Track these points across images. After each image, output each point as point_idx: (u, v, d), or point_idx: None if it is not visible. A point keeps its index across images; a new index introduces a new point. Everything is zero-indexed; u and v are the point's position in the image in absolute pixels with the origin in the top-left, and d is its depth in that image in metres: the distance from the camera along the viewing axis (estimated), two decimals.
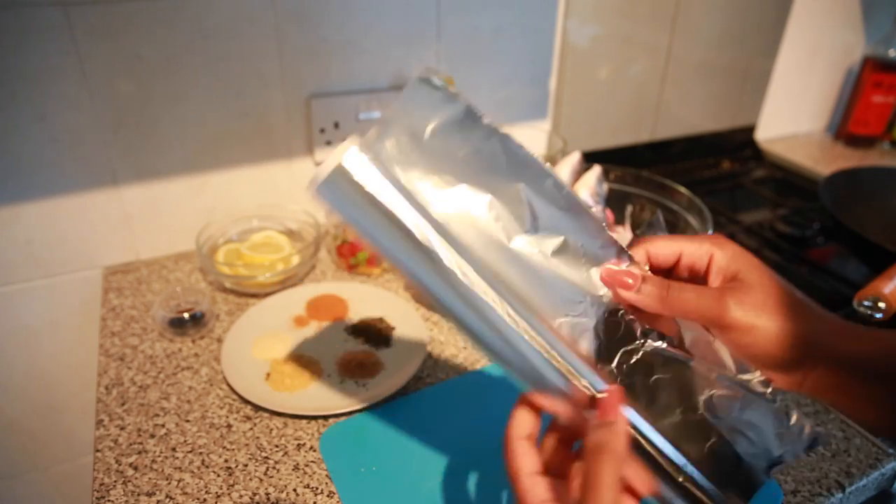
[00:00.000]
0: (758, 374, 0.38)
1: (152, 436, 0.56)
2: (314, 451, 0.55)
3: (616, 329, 0.38)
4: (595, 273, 0.39)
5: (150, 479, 0.52)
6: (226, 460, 0.54)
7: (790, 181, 1.14)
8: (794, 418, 0.39)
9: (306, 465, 0.54)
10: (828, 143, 1.28)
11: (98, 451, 0.54)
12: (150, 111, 0.72)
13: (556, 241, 0.38)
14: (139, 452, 0.54)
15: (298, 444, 0.55)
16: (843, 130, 1.27)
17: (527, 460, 0.36)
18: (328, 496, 0.51)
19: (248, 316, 0.70)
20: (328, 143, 0.83)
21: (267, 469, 0.53)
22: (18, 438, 0.85)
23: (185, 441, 0.56)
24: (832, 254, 0.91)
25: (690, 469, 0.38)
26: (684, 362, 0.38)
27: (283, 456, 0.54)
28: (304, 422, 0.58)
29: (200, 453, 0.55)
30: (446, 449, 0.55)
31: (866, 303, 0.65)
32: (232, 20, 0.71)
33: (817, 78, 1.25)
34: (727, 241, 0.39)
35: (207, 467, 0.53)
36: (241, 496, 0.51)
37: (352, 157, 0.34)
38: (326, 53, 0.78)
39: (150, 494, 0.51)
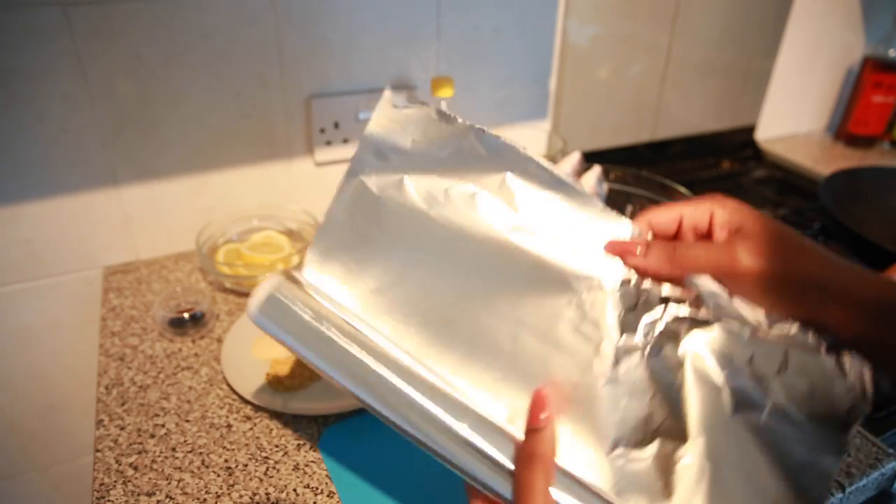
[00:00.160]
0: (793, 323, 0.37)
1: (152, 436, 0.56)
2: (314, 451, 0.55)
3: (634, 300, 0.38)
4: (601, 248, 0.39)
5: (150, 479, 0.52)
6: (226, 460, 0.54)
7: (790, 181, 1.14)
8: (847, 362, 0.36)
9: (306, 465, 0.54)
10: (828, 143, 1.28)
11: (98, 451, 0.54)
12: (150, 111, 0.72)
13: (553, 225, 0.39)
14: (139, 452, 0.54)
15: (298, 444, 0.55)
16: (843, 130, 1.27)
17: None
18: (328, 496, 0.51)
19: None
20: (328, 143, 0.83)
21: (267, 469, 0.53)
22: (18, 438, 0.85)
23: (185, 441, 0.56)
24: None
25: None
26: (711, 325, 0.37)
27: (283, 456, 0.54)
28: (304, 422, 0.58)
29: (200, 453, 0.55)
30: None
31: None
32: (232, 20, 0.71)
33: (817, 78, 1.25)
34: (725, 198, 0.39)
35: (207, 467, 0.53)
36: (241, 496, 0.51)
37: (265, 302, 0.38)
38: (326, 53, 0.78)
39: (150, 494, 0.51)
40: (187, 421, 0.58)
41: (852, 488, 0.54)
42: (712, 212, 0.39)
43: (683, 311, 0.38)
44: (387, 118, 0.40)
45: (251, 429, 0.57)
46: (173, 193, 0.78)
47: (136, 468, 0.53)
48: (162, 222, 0.80)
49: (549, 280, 0.38)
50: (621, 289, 0.38)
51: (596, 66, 0.98)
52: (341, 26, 0.77)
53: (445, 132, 0.40)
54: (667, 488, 0.35)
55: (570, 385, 0.37)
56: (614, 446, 0.36)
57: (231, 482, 0.52)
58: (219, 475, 0.52)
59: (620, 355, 0.37)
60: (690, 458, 0.36)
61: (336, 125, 0.82)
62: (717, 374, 0.37)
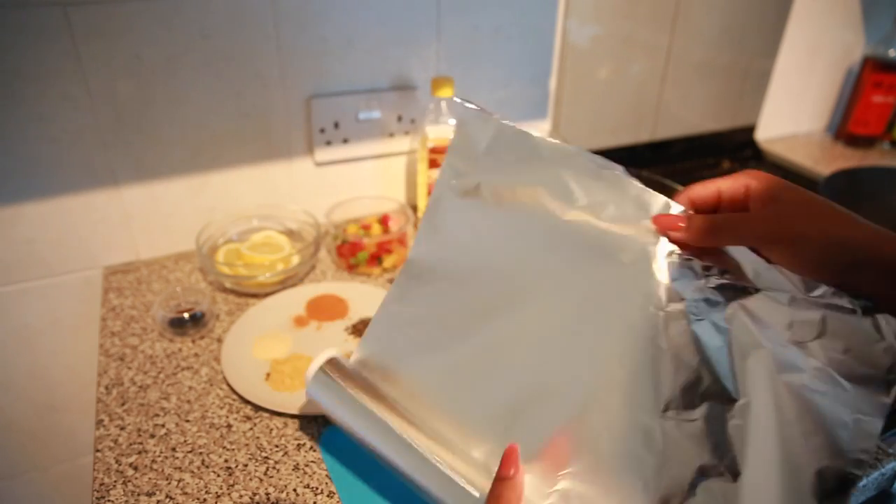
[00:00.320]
0: (826, 287, 0.38)
1: (152, 436, 0.56)
2: (314, 451, 0.55)
3: (678, 271, 0.41)
4: (646, 225, 0.42)
5: (150, 479, 0.52)
6: (226, 460, 0.54)
7: (790, 181, 1.14)
8: (883, 324, 0.37)
9: (306, 465, 0.54)
10: (828, 143, 1.28)
11: (98, 451, 0.54)
12: (150, 111, 0.72)
13: (603, 208, 0.43)
14: (139, 452, 0.54)
15: (298, 444, 0.55)
16: (843, 130, 1.27)
17: None
18: (328, 496, 0.51)
19: (248, 316, 0.70)
20: (328, 143, 0.83)
21: (267, 469, 0.53)
22: (18, 438, 0.85)
23: (185, 441, 0.56)
24: None
25: None
26: (753, 293, 0.39)
27: (283, 456, 0.54)
28: (304, 422, 0.58)
29: (200, 453, 0.55)
30: None
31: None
32: (232, 20, 0.71)
33: (817, 78, 1.25)
34: (760, 172, 0.41)
35: (207, 467, 0.53)
36: (241, 496, 0.51)
37: (314, 380, 0.48)
38: (326, 53, 0.78)
39: (150, 494, 0.51)
40: (187, 421, 0.58)
41: None
42: (748, 184, 0.40)
43: (725, 279, 0.40)
44: (464, 135, 0.48)
45: (251, 429, 0.57)
46: (173, 193, 0.78)
47: (136, 468, 0.53)
48: (162, 222, 0.80)
49: (602, 255, 0.42)
50: (667, 260, 0.41)
51: (596, 66, 0.98)
52: (341, 26, 0.77)
53: (511, 139, 0.47)
54: (716, 449, 0.38)
55: (622, 350, 0.41)
56: (665, 409, 0.39)
57: (231, 482, 0.52)
58: (219, 475, 0.52)
59: (667, 321, 0.40)
60: (738, 420, 0.38)
61: (336, 125, 0.82)
62: (759, 339, 0.38)
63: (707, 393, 0.39)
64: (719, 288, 0.40)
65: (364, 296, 0.74)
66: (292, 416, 0.58)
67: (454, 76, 0.85)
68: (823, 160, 1.19)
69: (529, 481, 0.41)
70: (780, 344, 0.38)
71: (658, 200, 0.43)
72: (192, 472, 0.53)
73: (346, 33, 0.78)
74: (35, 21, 0.63)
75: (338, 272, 0.80)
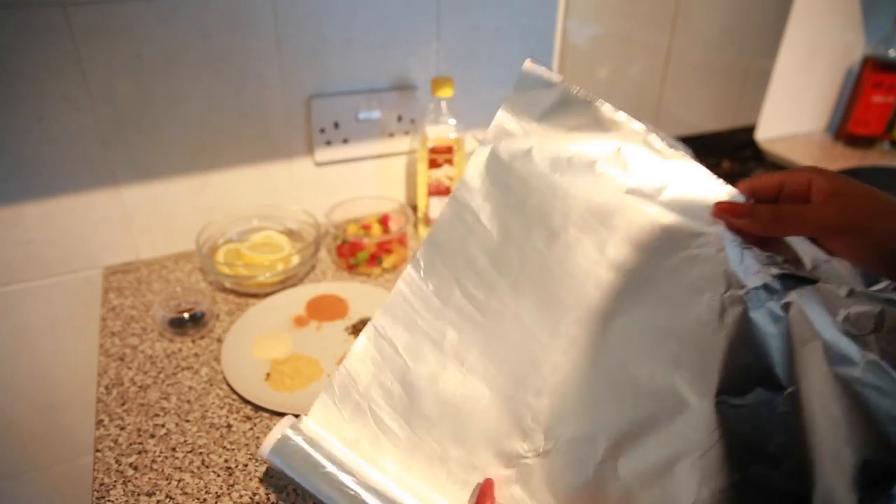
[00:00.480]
0: (887, 282, 0.38)
1: (152, 436, 0.56)
2: None
3: (739, 258, 0.41)
4: (707, 210, 0.42)
5: (150, 479, 0.52)
6: (226, 460, 0.54)
7: None
8: None
9: None
10: (828, 143, 1.28)
11: (98, 451, 0.54)
12: (149, 111, 0.72)
13: (663, 189, 0.43)
14: (139, 452, 0.54)
15: None
16: (843, 130, 1.27)
17: None
18: None
19: (248, 316, 0.70)
20: (328, 143, 0.83)
21: (267, 469, 0.53)
22: (18, 438, 0.85)
23: (185, 441, 0.56)
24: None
25: None
26: (811, 283, 0.40)
27: None
28: None
29: (200, 453, 0.55)
30: None
31: None
32: (232, 20, 0.71)
33: (817, 78, 1.25)
34: (822, 168, 0.41)
35: (207, 467, 0.53)
36: (241, 496, 0.51)
37: (279, 442, 0.44)
38: (326, 53, 0.78)
39: (150, 494, 0.51)
40: (187, 421, 0.58)
41: None
42: (810, 178, 0.41)
43: (784, 269, 0.40)
44: (524, 94, 0.47)
45: (251, 429, 0.57)
46: (173, 193, 0.78)
47: (136, 468, 0.53)
48: (162, 222, 0.80)
49: (661, 238, 0.42)
50: (727, 247, 0.41)
51: (596, 66, 0.98)
52: (341, 26, 0.77)
53: (572, 108, 0.46)
54: (762, 436, 0.38)
55: (678, 332, 0.41)
56: (719, 392, 0.39)
57: (231, 482, 0.52)
58: (219, 475, 0.52)
59: (726, 306, 0.40)
60: (785, 408, 0.38)
61: (336, 125, 0.82)
62: (815, 330, 0.38)
63: (758, 379, 0.39)
64: (778, 277, 0.40)
65: (364, 296, 0.74)
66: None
67: (454, 76, 0.85)
68: (823, 160, 1.19)
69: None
70: (835, 336, 0.38)
71: (721, 187, 0.43)
72: (192, 472, 0.53)
73: (346, 33, 0.78)
74: (35, 21, 0.63)
75: (338, 272, 0.80)
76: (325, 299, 0.73)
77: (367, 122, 0.84)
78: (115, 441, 0.55)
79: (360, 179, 0.89)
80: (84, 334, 0.81)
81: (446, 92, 0.77)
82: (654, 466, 0.40)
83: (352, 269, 0.80)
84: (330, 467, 0.44)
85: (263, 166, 0.82)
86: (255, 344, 0.66)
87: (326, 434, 0.46)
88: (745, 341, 0.40)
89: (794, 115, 1.28)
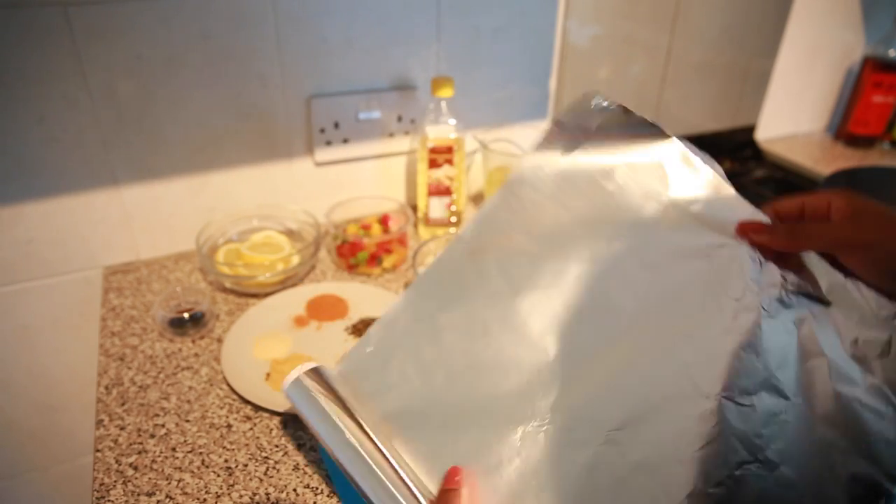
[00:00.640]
0: None
1: (152, 436, 0.56)
2: (314, 451, 0.55)
3: (757, 271, 0.43)
4: (731, 227, 0.45)
5: (150, 479, 0.52)
6: (226, 460, 0.54)
7: (790, 181, 1.14)
8: None
9: (306, 465, 0.54)
10: (828, 143, 1.28)
11: (98, 451, 0.55)
12: (150, 111, 0.72)
13: (692, 203, 0.46)
14: (139, 452, 0.54)
15: (298, 444, 0.55)
16: (843, 130, 1.27)
17: None
18: (328, 496, 0.51)
19: (248, 316, 0.70)
20: (328, 143, 0.83)
21: (267, 469, 0.53)
22: (18, 438, 0.85)
23: (185, 441, 0.56)
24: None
25: None
26: (825, 304, 0.42)
27: (283, 456, 0.54)
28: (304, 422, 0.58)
29: (200, 453, 0.55)
30: None
31: None
32: (232, 20, 0.71)
33: (817, 78, 1.25)
34: (842, 190, 0.43)
35: (207, 467, 0.53)
36: (241, 496, 0.51)
37: (294, 385, 0.47)
38: (326, 53, 0.78)
39: (150, 494, 0.51)
40: (187, 421, 0.58)
41: None
42: (829, 199, 0.43)
43: (800, 287, 0.42)
44: (580, 106, 0.51)
45: (251, 429, 0.57)
46: (173, 193, 0.78)
47: (136, 468, 0.53)
48: (162, 222, 0.80)
49: (686, 244, 0.45)
50: (748, 260, 0.43)
51: (596, 66, 0.98)
52: (341, 26, 0.77)
53: (622, 122, 0.49)
54: (761, 437, 0.39)
55: (691, 328, 0.43)
56: (724, 388, 0.40)
57: (231, 482, 0.52)
58: (219, 475, 0.53)
59: (739, 310, 0.42)
60: (787, 417, 0.40)
61: (336, 125, 0.82)
62: (821, 349, 0.41)
63: (763, 384, 0.40)
64: (794, 293, 0.42)
65: (364, 296, 0.74)
66: (292, 416, 0.58)
67: (454, 76, 0.85)
68: (823, 160, 1.19)
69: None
70: (842, 357, 0.40)
71: (746, 207, 0.46)
72: (192, 472, 0.53)
73: (346, 33, 0.78)
74: (35, 21, 0.63)
75: (338, 272, 0.80)
76: (325, 299, 0.73)
77: (367, 122, 0.84)
78: (115, 441, 0.56)
79: (360, 179, 0.89)
80: (84, 334, 0.81)
81: (446, 92, 0.77)
82: (654, 454, 0.40)
83: (352, 269, 0.80)
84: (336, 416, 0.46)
85: (263, 166, 0.82)
86: (255, 344, 0.66)
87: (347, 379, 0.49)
88: (754, 347, 0.41)
89: (794, 115, 1.28)
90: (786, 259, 0.44)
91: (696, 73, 1.07)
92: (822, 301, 0.42)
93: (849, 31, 1.22)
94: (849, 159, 1.20)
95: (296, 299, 0.73)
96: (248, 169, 0.81)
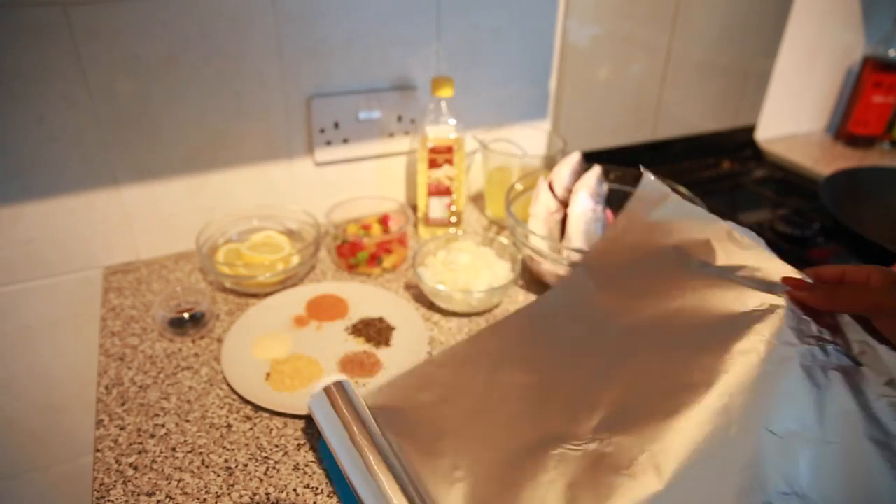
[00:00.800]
0: None
1: (152, 436, 0.56)
2: (314, 451, 0.55)
3: (795, 323, 0.47)
4: (774, 290, 0.49)
5: (150, 479, 0.52)
6: (226, 460, 0.54)
7: (790, 181, 1.14)
8: None
9: (306, 465, 0.54)
10: (828, 143, 1.28)
11: (98, 451, 0.55)
12: (149, 111, 0.72)
13: (738, 269, 0.52)
14: (139, 452, 0.54)
15: (298, 444, 0.55)
16: (843, 130, 1.27)
17: None
18: (328, 496, 0.51)
19: (248, 316, 0.70)
20: (328, 143, 0.83)
21: (267, 469, 0.53)
22: (18, 438, 0.85)
23: (185, 441, 0.56)
24: (832, 254, 0.91)
25: None
26: (856, 366, 0.45)
27: (283, 456, 0.54)
28: (304, 422, 0.58)
29: (200, 453, 0.55)
30: None
31: None
32: (232, 20, 0.71)
33: (817, 78, 1.25)
34: (883, 267, 0.47)
35: (207, 467, 0.53)
36: (241, 496, 0.51)
37: (316, 400, 0.52)
38: (326, 53, 0.78)
39: (150, 494, 0.51)
40: (187, 421, 0.58)
41: None
42: (869, 271, 0.47)
43: (835, 345, 0.46)
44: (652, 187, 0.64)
45: (251, 429, 0.57)
46: (173, 193, 0.78)
47: (136, 468, 0.53)
48: (162, 222, 0.80)
49: (730, 297, 0.51)
50: (787, 312, 0.47)
51: (596, 66, 0.98)
52: (341, 26, 0.77)
53: (675, 206, 0.61)
54: (794, 472, 0.42)
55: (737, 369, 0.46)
56: (765, 422, 0.43)
57: (231, 482, 0.52)
58: (219, 475, 0.53)
59: (783, 357, 0.45)
60: (816, 454, 0.42)
61: (336, 125, 0.82)
62: (856, 402, 0.44)
63: (796, 420, 0.43)
64: (829, 348, 0.46)
65: (364, 296, 0.74)
66: (292, 416, 0.58)
67: (454, 76, 0.85)
68: (823, 160, 1.19)
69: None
70: (871, 414, 0.43)
71: (788, 270, 0.50)
72: (192, 472, 0.53)
73: (346, 33, 0.78)
74: (35, 21, 0.63)
75: (338, 272, 0.80)
76: (325, 299, 0.73)
77: (367, 122, 0.84)
78: (115, 441, 0.56)
79: (360, 179, 0.89)
80: (84, 334, 0.81)
81: (446, 92, 0.77)
82: (698, 477, 0.42)
83: (352, 269, 0.80)
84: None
85: (263, 166, 0.82)
86: (255, 344, 0.66)
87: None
88: (793, 389, 0.44)
89: (794, 115, 1.28)
90: (822, 319, 0.47)
91: (696, 73, 1.07)
92: (854, 360, 0.46)
93: (849, 31, 1.22)
94: (849, 159, 1.20)
95: (296, 299, 0.73)
96: (247, 169, 0.81)
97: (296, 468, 0.53)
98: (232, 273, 0.73)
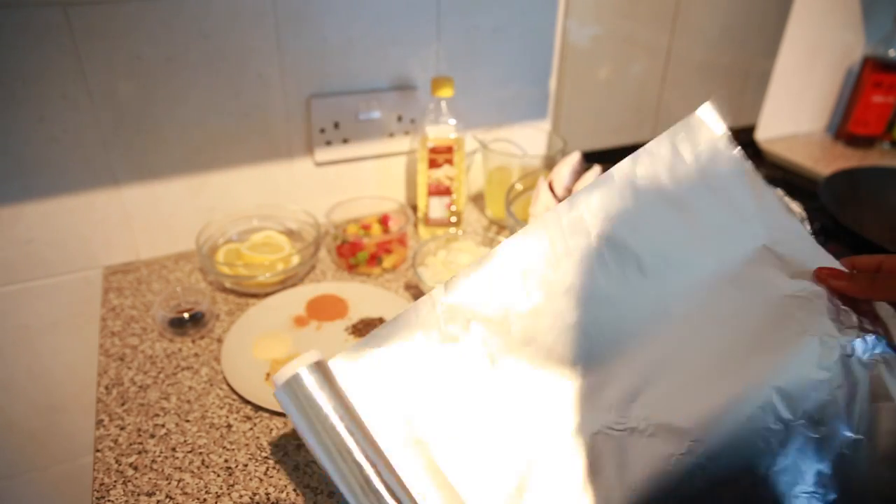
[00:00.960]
0: None
1: (152, 436, 0.56)
2: None
3: (835, 314, 0.46)
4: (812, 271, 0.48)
5: (150, 479, 0.52)
6: (226, 460, 0.54)
7: (790, 181, 1.14)
8: None
9: (306, 465, 0.54)
10: (828, 143, 1.28)
11: (98, 451, 0.55)
12: (149, 111, 0.72)
13: (780, 242, 0.50)
14: (139, 452, 0.54)
15: (298, 444, 0.55)
16: (843, 130, 1.27)
17: None
18: (328, 496, 0.51)
19: (248, 316, 0.70)
20: (328, 143, 0.83)
21: (267, 469, 0.53)
22: (18, 438, 0.85)
23: (185, 441, 0.56)
24: (832, 254, 0.91)
25: None
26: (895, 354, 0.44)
27: (283, 456, 0.54)
28: None
29: (200, 453, 0.55)
30: None
31: None
32: (232, 20, 0.71)
33: (817, 78, 1.25)
34: None
35: (207, 467, 0.53)
36: (241, 496, 0.51)
37: (301, 376, 0.40)
38: (326, 53, 0.78)
39: (150, 494, 0.51)
40: (187, 421, 0.58)
41: None
42: None
43: (875, 332, 0.45)
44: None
45: (251, 429, 0.57)
46: (173, 193, 0.78)
47: (136, 468, 0.53)
48: (162, 222, 0.80)
49: (769, 280, 0.48)
50: (827, 304, 0.46)
51: (596, 66, 0.98)
52: (341, 26, 0.77)
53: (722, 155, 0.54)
54: (824, 468, 0.42)
55: (777, 353, 0.45)
56: (798, 416, 0.42)
57: (231, 482, 0.52)
58: (219, 475, 0.53)
59: (824, 348, 0.44)
60: (847, 451, 0.42)
61: (336, 125, 0.82)
62: (892, 393, 0.43)
63: (834, 416, 0.42)
64: (869, 337, 0.45)
65: (364, 296, 0.74)
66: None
67: (454, 76, 0.85)
68: (823, 160, 1.19)
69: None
70: None
71: (828, 257, 0.50)
72: (192, 472, 0.53)
73: (347, 33, 0.78)
74: (35, 21, 0.63)
75: (338, 272, 0.80)
76: (325, 299, 0.73)
77: (367, 122, 0.84)
78: (115, 441, 0.56)
79: (360, 179, 0.89)
80: (84, 334, 0.81)
81: (446, 92, 0.77)
82: (728, 469, 0.42)
83: (352, 269, 0.80)
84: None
85: (263, 166, 0.82)
86: (255, 344, 0.66)
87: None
88: (834, 380, 0.43)
89: (794, 115, 1.28)
90: (861, 308, 0.47)
91: (696, 73, 1.07)
92: (895, 349, 0.45)
93: (849, 31, 1.22)
94: (849, 159, 1.20)
95: (296, 299, 0.73)
96: (247, 169, 0.81)
97: (296, 468, 0.53)
98: (232, 273, 0.73)
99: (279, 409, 0.57)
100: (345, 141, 0.84)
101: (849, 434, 0.42)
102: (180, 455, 0.54)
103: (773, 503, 0.41)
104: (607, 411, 0.44)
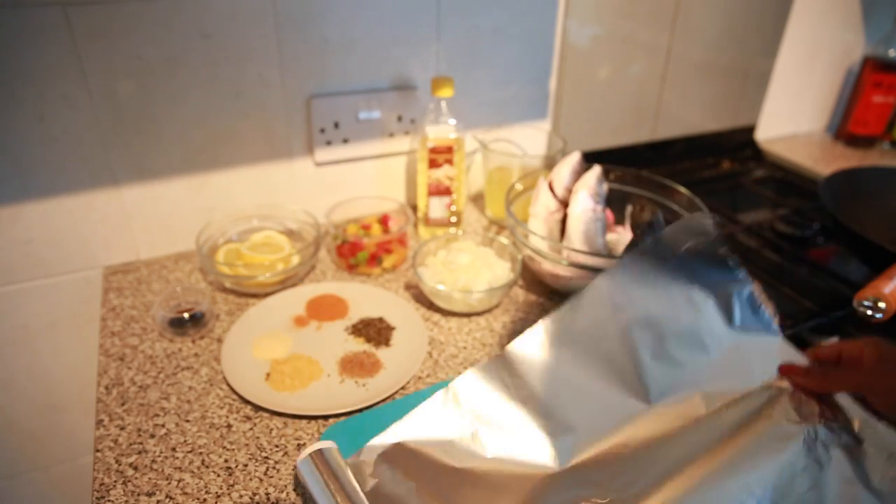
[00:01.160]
0: None
1: (152, 436, 0.56)
2: None
3: (797, 406, 0.50)
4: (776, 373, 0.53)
5: (150, 479, 0.52)
6: (226, 460, 0.54)
7: (790, 181, 1.14)
8: None
9: None
10: (828, 143, 1.28)
11: (98, 451, 0.55)
12: (149, 111, 0.72)
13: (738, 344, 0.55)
14: (139, 452, 0.54)
15: (298, 444, 0.55)
16: (843, 130, 1.27)
17: None
18: None
19: (248, 316, 0.70)
20: (328, 143, 0.83)
21: (267, 469, 0.53)
22: (18, 438, 0.85)
23: (185, 441, 0.56)
24: (832, 254, 0.91)
25: None
26: (857, 442, 0.48)
27: (283, 456, 0.54)
28: (304, 422, 0.58)
29: (200, 453, 0.55)
30: None
31: (866, 303, 0.64)
32: (232, 20, 0.71)
33: (817, 78, 1.25)
34: (874, 339, 0.50)
35: (207, 467, 0.53)
36: (241, 496, 0.51)
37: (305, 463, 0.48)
38: (326, 53, 0.78)
39: (150, 494, 0.51)
40: (187, 421, 0.58)
41: None
42: (862, 347, 0.50)
43: (836, 421, 0.49)
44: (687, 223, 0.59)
45: (251, 429, 0.57)
46: (173, 193, 0.78)
47: (136, 468, 0.53)
48: (162, 222, 0.80)
49: (741, 368, 0.54)
50: (790, 396, 0.51)
51: (596, 66, 0.98)
52: (341, 26, 0.77)
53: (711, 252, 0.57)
54: None
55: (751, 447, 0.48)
56: (772, 499, 0.45)
57: (231, 482, 0.52)
58: (219, 475, 0.52)
59: (789, 434, 0.48)
60: None
61: (336, 125, 0.82)
62: (856, 477, 0.46)
63: (798, 500, 0.45)
64: (830, 427, 0.49)
65: (364, 296, 0.74)
66: (292, 416, 0.58)
67: (454, 76, 0.85)
68: (823, 160, 1.19)
69: None
70: (868, 488, 0.45)
71: (793, 351, 0.55)
72: (192, 472, 0.53)
73: (347, 33, 0.78)
74: (35, 21, 0.63)
75: (338, 272, 0.80)
76: (325, 299, 0.73)
77: (367, 122, 0.84)
78: (115, 441, 0.55)
79: (360, 179, 0.89)
80: (84, 334, 0.81)
81: (446, 92, 0.77)
82: None
83: (352, 269, 0.80)
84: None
85: (263, 166, 0.82)
86: (255, 344, 0.66)
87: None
88: (792, 467, 0.46)
89: (794, 115, 1.28)
90: (823, 399, 0.51)
91: (696, 73, 1.07)
92: (855, 437, 0.48)
93: (849, 31, 1.22)
94: (849, 159, 1.20)
95: (296, 299, 0.73)
96: (247, 169, 0.81)
97: (296, 468, 0.53)
98: (232, 273, 0.73)
99: (279, 409, 0.57)
100: (345, 141, 0.84)
101: None
102: (180, 455, 0.54)
103: None
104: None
